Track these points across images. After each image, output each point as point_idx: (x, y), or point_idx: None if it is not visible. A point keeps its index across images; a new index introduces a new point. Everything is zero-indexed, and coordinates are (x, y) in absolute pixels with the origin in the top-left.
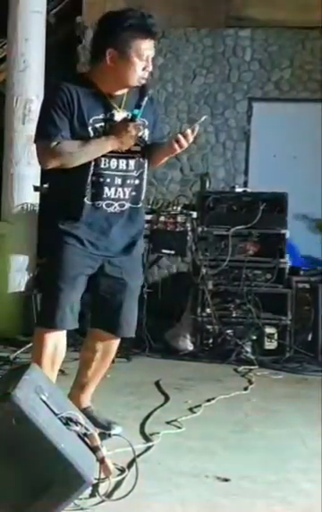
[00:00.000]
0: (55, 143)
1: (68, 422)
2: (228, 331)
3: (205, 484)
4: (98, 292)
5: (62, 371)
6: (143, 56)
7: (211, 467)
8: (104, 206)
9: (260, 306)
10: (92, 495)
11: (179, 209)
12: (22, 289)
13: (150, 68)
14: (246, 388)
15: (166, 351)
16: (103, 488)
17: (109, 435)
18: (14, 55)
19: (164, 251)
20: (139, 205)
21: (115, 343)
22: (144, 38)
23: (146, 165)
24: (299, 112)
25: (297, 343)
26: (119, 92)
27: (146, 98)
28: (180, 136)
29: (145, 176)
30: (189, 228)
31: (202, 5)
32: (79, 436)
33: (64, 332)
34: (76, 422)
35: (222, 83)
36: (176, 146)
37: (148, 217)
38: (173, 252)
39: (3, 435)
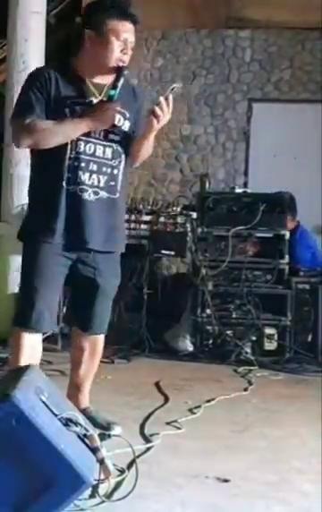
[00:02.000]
0: (28, 120)
1: (68, 422)
2: (228, 332)
3: (205, 485)
4: (72, 291)
5: (61, 372)
6: (120, 37)
7: (211, 468)
8: (78, 191)
9: (260, 307)
10: (92, 496)
11: (179, 209)
12: None
13: (129, 52)
14: (246, 389)
15: (166, 351)
16: (103, 489)
17: (109, 436)
18: (14, 55)
19: (163, 251)
20: (116, 195)
21: (98, 340)
22: (121, 19)
23: (123, 156)
24: (298, 113)
25: (297, 344)
26: (102, 81)
27: (121, 80)
28: (156, 108)
29: (122, 168)
30: (188, 229)
31: (202, 6)
32: (78, 437)
33: (40, 334)
34: (76, 423)
35: (222, 84)
36: (154, 120)
37: (148, 217)
38: (172, 253)
39: (2, 436)
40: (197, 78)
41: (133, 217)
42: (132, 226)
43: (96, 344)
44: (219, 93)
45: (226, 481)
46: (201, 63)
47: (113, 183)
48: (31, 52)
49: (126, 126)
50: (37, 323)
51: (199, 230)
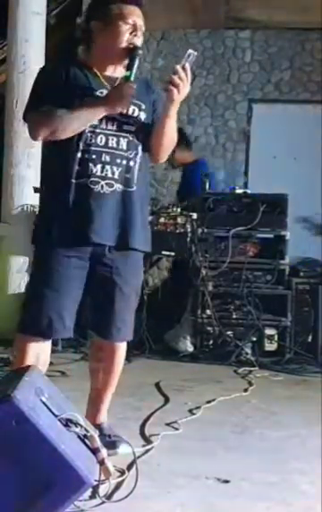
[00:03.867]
0: (44, 108)
1: (68, 423)
2: (228, 333)
3: (205, 486)
4: (90, 294)
5: (63, 373)
6: (127, 20)
7: (211, 469)
8: (89, 184)
9: (260, 308)
10: (92, 497)
11: (179, 210)
12: (22, 290)
13: (140, 35)
14: (246, 390)
15: (166, 352)
16: (103, 489)
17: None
18: (14, 56)
19: (164, 252)
20: (133, 188)
21: (117, 349)
22: (125, 1)
23: (140, 148)
24: (299, 113)
25: (297, 344)
26: (113, 74)
27: (136, 60)
28: (173, 77)
29: (139, 160)
30: (189, 230)
31: (202, 7)
32: (79, 437)
33: (49, 341)
34: (76, 424)
35: (222, 84)
36: (174, 90)
37: (148, 218)
38: (173, 254)
39: (3, 436)
40: (197, 78)
41: None
42: None
43: (114, 353)
44: (219, 94)
45: (226, 481)
46: (201, 63)
47: (128, 176)
48: (32, 53)
49: (142, 117)
50: (48, 328)
51: (200, 231)
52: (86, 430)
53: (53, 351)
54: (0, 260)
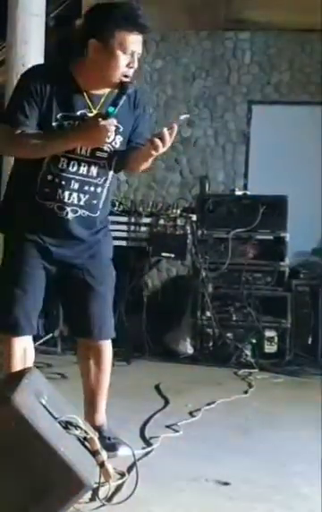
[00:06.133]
0: (19, 131)
1: (68, 425)
2: (228, 334)
3: (205, 488)
4: (64, 297)
5: (61, 375)
6: (128, 50)
7: (211, 471)
8: (55, 208)
9: (260, 309)
10: (92, 499)
11: (178, 212)
12: None
13: (136, 65)
14: (246, 392)
15: (166, 354)
16: (103, 492)
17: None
18: (13, 58)
19: (163, 254)
20: (97, 214)
21: (103, 347)
22: (130, 30)
23: (111, 173)
24: (298, 115)
25: (297, 346)
26: (99, 92)
27: (124, 97)
28: (156, 140)
29: (108, 185)
30: (188, 231)
31: (201, 8)
32: (79, 440)
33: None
34: (76, 426)
35: (221, 86)
36: (152, 151)
37: (148, 220)
38: (172, 255)
39: (2, 439)
40: (196, 80)
41: (133, 220)
42: (132, 228)
43: (102, 351)
44: (219, 95)
45: (226, 484)
46: (201, 64)
47: (94, 202)
48: (31, 54)
49: (117, 142)
50: (15, 327)
51: (199, 232)
52: (86, 432)
53: (53, 353)
54: None
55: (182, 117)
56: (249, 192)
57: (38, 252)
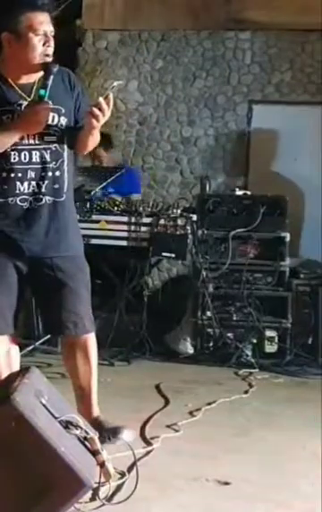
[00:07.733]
0: None
1: (68, 425)
2: (228, 334)
3: (205, 488)
4: (37, 296)
5: (61, 374)
6: (39, 31)
7: (211, 471)
8: (18, 202)
9: (261, 309)
10: (92, 499)
11: (179, 211)
12: None
13: (52, 43)
14: (246, 392)
15: (167, 354)
16: (103, 492)
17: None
18: None
19: (164, 254)
20: (62, 198)
21: (86, 342)
22: (33, 10)
23: (65, 154)
24: (299, 115)
25: (297, 346)
26: (30, 80)
27: (51, 77)
28: (94, 109)
29: (66, 167)
30: (189, 231)
31: (202, 8)
32: (79, 439)
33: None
34: (76, 426)
35: (222, 86)
36: (93, 121)
37: (148, 220)
38: (173, 255)
39: (2, 439)
40: (197, 80)
41: (133, 220)
42: (132, 228)
43: (85, 346)
44: (219, 95)
45: (227, 483)
46: (201, 64)
47: (57, 186)
48: None
49: (63, 122)
50: None
51: (200, 232)
52: (86, 432)
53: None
54: None
55: (116, 83)
56: (249, 192)
57: (7, 252)
